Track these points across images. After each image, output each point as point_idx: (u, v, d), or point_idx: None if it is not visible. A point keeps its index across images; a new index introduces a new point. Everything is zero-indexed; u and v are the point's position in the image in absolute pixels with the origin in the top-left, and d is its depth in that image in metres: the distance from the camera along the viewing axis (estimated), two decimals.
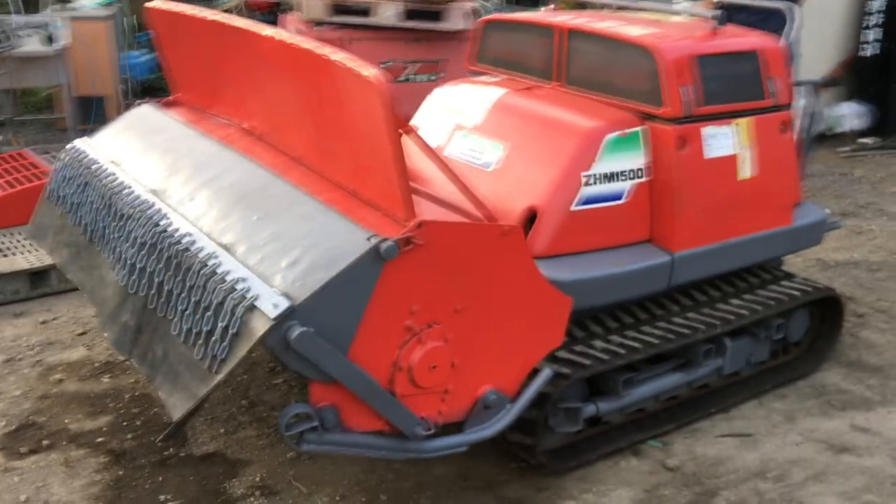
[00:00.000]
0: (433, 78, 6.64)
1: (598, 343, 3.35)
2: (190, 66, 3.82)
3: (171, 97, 3.98)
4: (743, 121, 3.76)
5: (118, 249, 3.09)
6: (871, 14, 8.28)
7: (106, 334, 3.05)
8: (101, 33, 6.71)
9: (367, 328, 2.54)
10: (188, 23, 3.57)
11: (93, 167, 3.55)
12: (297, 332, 2.36)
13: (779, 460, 3.36)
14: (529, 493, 3.11)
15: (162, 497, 3.00)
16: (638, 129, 3.56)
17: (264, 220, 2.78)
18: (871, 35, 8.29)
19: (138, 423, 3.42)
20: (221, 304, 2.52)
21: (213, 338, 2.50)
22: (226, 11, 13.21)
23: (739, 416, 3.68)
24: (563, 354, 3.24)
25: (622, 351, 3.31)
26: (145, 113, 3.87)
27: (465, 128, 3.91)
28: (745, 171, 3.78)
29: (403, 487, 3.11)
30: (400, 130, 2.48)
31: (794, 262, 5.25)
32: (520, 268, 2.83)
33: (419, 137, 2.73)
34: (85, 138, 3.86)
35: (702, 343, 3.63)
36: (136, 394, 3.61)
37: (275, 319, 2.36)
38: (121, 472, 3.11)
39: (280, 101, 3.18)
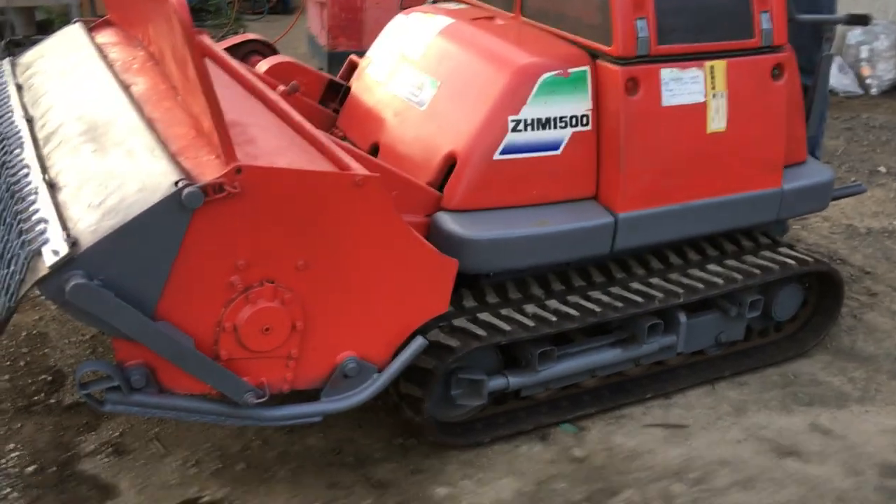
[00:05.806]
0: None
1: (506, 311, 2.97)
2: None
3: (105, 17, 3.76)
4: (719, 63, 3.22)
5: None
6: None
7: None
8: None
9: (178, 283, 2.25)
10: None
11: None
12: (73, 283, 2.09)
13: (707, 459, 2.91)
14: (401, 475, 2.77)
15: (10, 446, 2.82)
16: (585, 68, 3.09)
17: (96, 155, 2.50)
18: None
19: (22, 363, 3.24)
20: (22, 246, 2.28)
21: (9, 280, 2.26)
22: None
23: (683, 403, 3.21)
24: (459, 323, 2.89)
25: (532, 323, 2.92)
26: (72, 33, 3.64)
27: (409, 61, 3.52)
28: (718, 122, 3.25)
29: (266, 457, 2.83)
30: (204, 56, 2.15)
31: (819, 228, 4.68)
32: (381, 223, 2.47)
33: (236, 68, 2.38)
34: (12, 58, 3.67)
35: (645, 317, 3.20)
36: (35, 332, 3.44)
37: (50, 268, 2.10)
38: None
39: (158, 25, 2.88)
